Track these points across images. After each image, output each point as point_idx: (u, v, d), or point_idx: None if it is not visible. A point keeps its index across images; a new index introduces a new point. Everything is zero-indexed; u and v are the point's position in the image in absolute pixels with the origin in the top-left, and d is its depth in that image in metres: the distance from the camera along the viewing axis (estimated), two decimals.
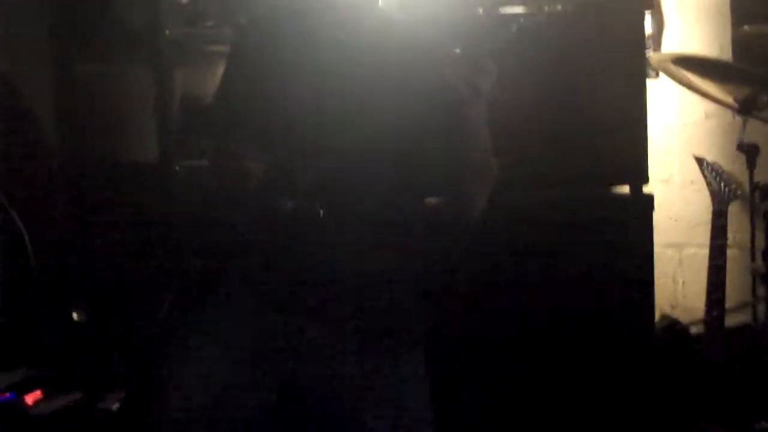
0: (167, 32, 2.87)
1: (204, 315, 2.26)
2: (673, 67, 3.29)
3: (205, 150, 2.51)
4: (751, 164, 3.13)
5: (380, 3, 2.57)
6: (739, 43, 3.58)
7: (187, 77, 2.94)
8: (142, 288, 2.78)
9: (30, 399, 2.75)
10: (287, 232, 2.19)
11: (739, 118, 3.23)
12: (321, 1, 2.35)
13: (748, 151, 3.14)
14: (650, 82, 3.44)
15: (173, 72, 2.89)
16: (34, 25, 2.89)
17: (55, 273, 2.77)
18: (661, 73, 3.69)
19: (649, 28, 3.75)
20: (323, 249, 2.19)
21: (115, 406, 2.83)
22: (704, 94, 3.37)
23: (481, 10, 3.06)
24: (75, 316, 2.74)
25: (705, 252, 3.54)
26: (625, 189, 3.09)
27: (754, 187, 3.10)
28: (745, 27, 3.54)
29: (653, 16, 3.82)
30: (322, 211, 2.16)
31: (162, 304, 2.65)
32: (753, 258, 3.21)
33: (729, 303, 3.36)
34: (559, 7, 3.10)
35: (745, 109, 3.16)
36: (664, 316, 3.59)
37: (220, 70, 2.33)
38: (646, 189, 3.06)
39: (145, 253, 2.79)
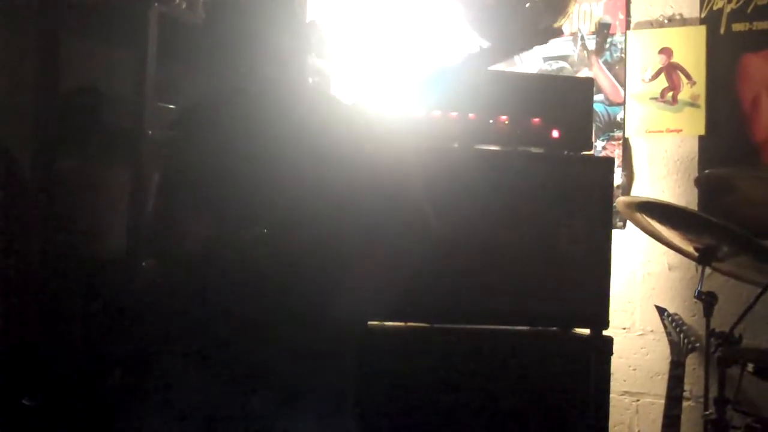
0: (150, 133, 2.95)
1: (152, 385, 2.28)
2: (638, 215, 3.37)
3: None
4: (707, 312, 3.17)
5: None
6: (703, 189, 3.68)
7: None
8: (94, 360, 2.79)
9: None
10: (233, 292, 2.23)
11: (699, 269, 3.28)
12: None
13: (706, 300, 3.18)
14: (617, 232, 3.53)
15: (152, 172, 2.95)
16: (21, 119, 2.96)
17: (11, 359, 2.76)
18: (627, 223, 3.78)
19: (619, 179, 3.87)
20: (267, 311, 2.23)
21: None
22: (667, 243, 3.44)
23: (456, 145, 3.16)
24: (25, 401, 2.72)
25: (662, 402, 3.56)
26: (586, 332, 3.13)
27: (710, 334, 3.13)
28: (707, 171, 3.65)
29: (624, 168, 3.94)
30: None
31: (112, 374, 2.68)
32: (706, 407, 3.21)
33: None
34: (531, 150, 3.20)
35: (704, 258, 3.22)
36: None
37: None
38: (606, 332, 3.09)
39: (100, 331, 2.80)
